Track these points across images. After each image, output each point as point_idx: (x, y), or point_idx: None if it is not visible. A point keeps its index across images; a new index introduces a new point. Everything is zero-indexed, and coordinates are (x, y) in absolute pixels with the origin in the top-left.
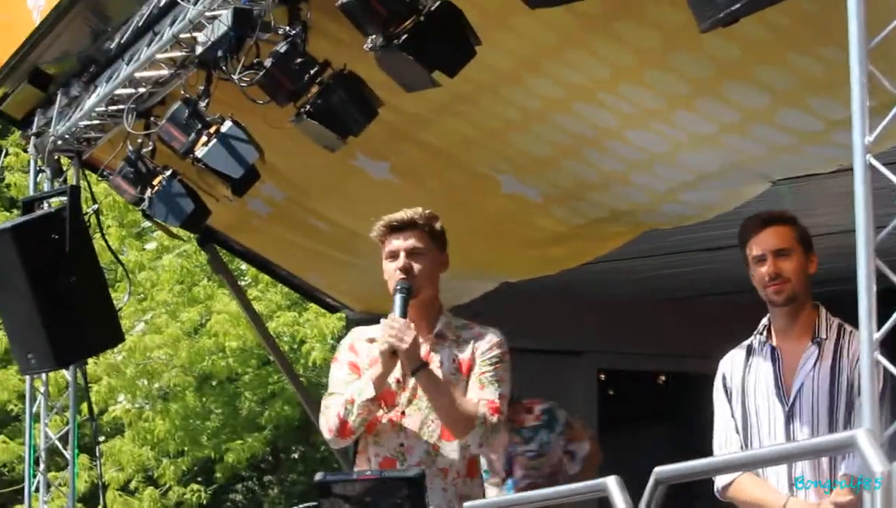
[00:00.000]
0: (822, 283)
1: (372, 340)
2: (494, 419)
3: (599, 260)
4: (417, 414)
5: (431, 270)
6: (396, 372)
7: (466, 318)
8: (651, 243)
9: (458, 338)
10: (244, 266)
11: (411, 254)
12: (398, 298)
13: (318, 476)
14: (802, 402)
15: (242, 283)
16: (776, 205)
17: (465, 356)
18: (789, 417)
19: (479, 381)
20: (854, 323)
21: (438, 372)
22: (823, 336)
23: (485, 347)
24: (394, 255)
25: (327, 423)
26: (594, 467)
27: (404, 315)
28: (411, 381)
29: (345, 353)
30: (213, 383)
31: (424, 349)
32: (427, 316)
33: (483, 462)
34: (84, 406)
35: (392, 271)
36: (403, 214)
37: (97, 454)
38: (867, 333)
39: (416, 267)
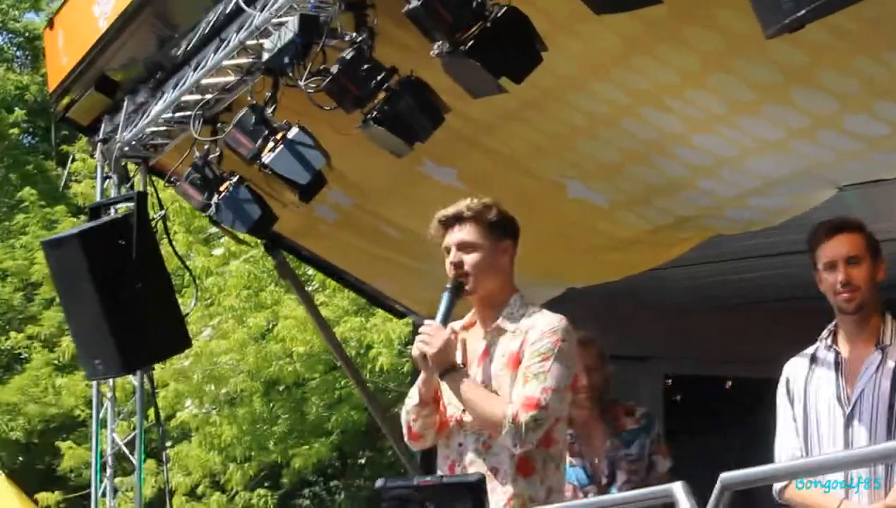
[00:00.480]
0: (888, 289)
1: (455, 332)
2: (528, 415)
3: (665, 266)
4: None
5: (489, 261)
6: None
7: None
8: (716, 249)
9: (517, 329)
10: (311, 271)
11: (461, 247)
12: (442, 297)
13: (379, 483)
14: (863, 407)
15: (309, 289)
16: (844, 210)
17: (515, 347)
18: (849, 421)
19: (523, 376)
20: None
21: (486, 369)
22: (887, 342)
23: (534, 337)
24: (448, 251)
25: (403, 427)
26: None
27: (446, 315)
28: None
29: None
30: (280, 388)
31: (483, 345)
32: (493, 308)
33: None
34: (151, 411)
35: (447, 268)
36: (452, 208)
37: (164, 459)
38: None
39: (469, 260)
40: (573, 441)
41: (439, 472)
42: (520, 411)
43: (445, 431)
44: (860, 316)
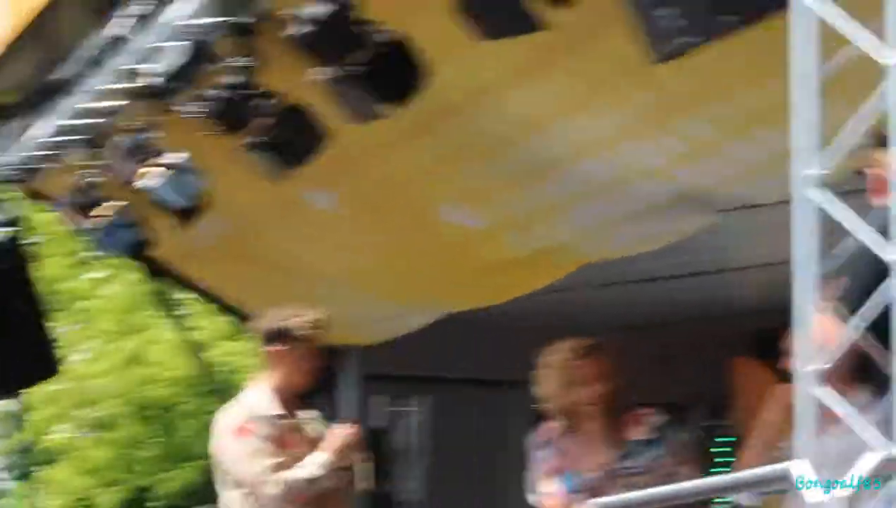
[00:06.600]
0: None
1: None
2: None
3: (542, 292)
4: None
5: None
6: None
7: None
8: (593, 274)
9: None
10: (187, 295)
11: None
12: None
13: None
14: None
15: (184, 313)
16: (725, 234)
17: None
18: None
19: None
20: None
21: None
22: None
23: None
24: None
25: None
26: None
27: None
28: None
29: None
30: (150, 413)
31: None
32: None
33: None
34: (22, 435)
35: None
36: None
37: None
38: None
39: None
40: (563, 455)
41: None
42: None
43: None
44: None
